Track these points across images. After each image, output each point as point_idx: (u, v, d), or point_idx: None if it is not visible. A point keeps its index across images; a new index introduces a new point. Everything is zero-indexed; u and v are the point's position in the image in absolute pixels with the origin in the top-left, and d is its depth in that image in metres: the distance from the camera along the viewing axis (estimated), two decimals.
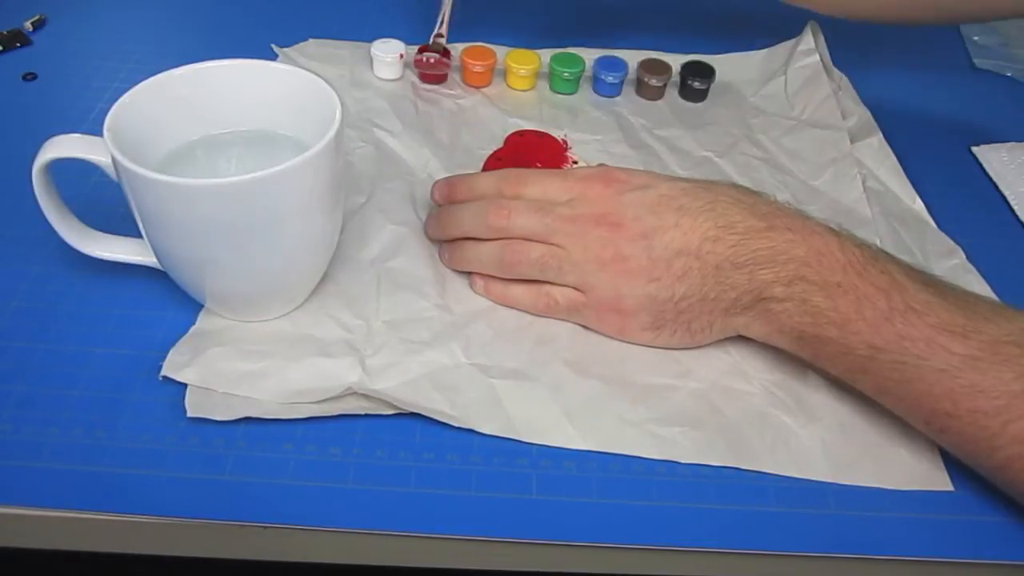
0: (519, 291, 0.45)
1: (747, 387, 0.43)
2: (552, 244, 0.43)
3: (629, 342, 0.44)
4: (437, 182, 0.49)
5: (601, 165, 0.47)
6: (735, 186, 0.43)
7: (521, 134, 0.56)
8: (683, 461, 0.40)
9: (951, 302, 0.38)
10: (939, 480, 0.40)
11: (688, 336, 0.43)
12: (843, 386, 0.42)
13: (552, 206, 0.44)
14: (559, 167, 0.54)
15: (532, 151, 0.55)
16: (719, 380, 0.43)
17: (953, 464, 0.40)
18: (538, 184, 0.45)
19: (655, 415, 0.41)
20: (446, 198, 0.48)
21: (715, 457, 0.40)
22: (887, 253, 0.41)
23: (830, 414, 0.42)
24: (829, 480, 0.39)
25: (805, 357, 0.41)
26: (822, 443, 0.40)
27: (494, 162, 0.54)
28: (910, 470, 0.40)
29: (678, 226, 0.41)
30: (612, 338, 0.44)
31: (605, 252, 0.42)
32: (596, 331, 0.44)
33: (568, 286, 0.44)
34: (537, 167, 0.53)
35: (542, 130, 0.57)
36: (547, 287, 0.44)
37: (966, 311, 0.38)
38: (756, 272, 0.40)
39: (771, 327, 0.41)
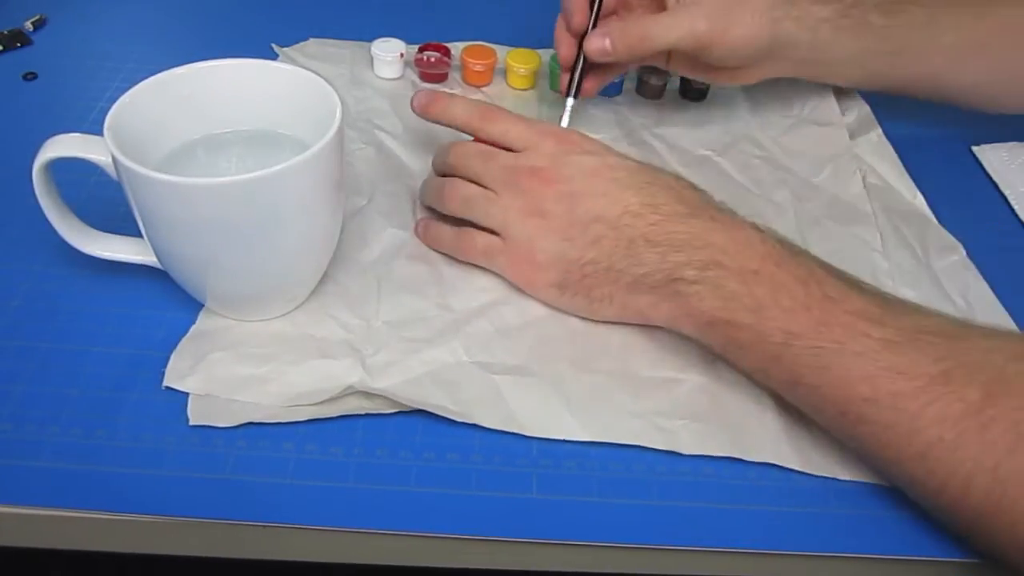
0: (447, 234, 0.47)
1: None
2: (487, 188, 0.45)
3: (533, 296, 0.45)
4: (418, 92, 0.50)
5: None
6: (679, 178, 0.44)
7: None
8: (685, 452, 0.39)
9: (868, 295, 0.38)
10: None
11: (587, 303, 0.44)
12: None
13: (498, 154, 0.46)
14: None
15: None
16: (723, 374, 0.43)
17: None
18: (503, 124, 0.47)
19: (658, 407, 0.41)
20: (423, 108, 0.50)
21: (718, 448, 0.40)
22: (808, 252, 0.41)
23: None
24: (828, 476, 0.39)
25: (714, 346, 0.41)
26: (826, 438, 0.40)
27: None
28: None
29: (605, 195, 0.42)
30: (524, 291, 0.46)
31: (530, 204, 0.44)
32: (510, 280, 0.46)
33: (490, 231, 0.45)
34: None
35: None
36: (471, 232, 0.46)
37: (883, 305, 0.38)
38: (669, 253, 0.40)
39: (679, 311, 0.41)
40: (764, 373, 0.40)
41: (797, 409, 0.41)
